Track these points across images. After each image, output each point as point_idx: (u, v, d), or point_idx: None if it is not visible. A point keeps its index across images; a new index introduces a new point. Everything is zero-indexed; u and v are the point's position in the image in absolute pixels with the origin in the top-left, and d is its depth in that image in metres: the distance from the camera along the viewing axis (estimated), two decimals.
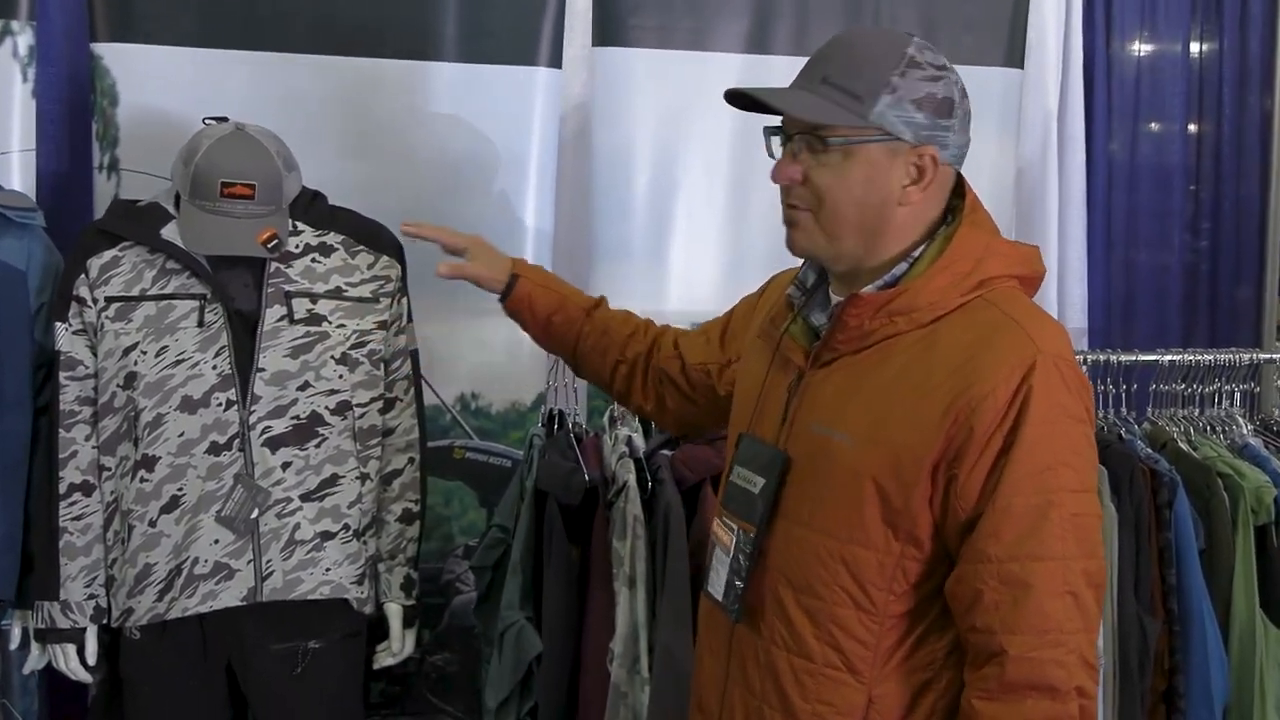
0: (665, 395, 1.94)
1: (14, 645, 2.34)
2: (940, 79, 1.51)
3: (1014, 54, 3.08)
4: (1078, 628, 1.41)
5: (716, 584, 1.64)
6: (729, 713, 1.64)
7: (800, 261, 1.67)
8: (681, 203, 2.96)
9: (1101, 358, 2.61)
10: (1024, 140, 3.22)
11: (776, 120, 1.56)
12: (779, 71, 2.83)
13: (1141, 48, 3.42)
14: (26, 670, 2.33)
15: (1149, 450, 2.49)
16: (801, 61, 1.58)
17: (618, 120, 2.91)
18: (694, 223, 2.97)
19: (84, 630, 2.24)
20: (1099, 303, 3.39)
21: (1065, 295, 3.32)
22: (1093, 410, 1.48)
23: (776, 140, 1.57)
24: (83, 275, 2.21)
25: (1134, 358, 2.61)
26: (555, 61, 2.87)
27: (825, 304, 1.62)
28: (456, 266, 2.03)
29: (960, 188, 1.58)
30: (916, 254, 1.53)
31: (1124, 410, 2.62)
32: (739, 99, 1.55)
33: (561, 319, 1.98)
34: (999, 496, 1.41)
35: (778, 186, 1.57)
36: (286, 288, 2.22)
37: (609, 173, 2.94)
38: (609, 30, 2.88)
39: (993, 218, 1.58)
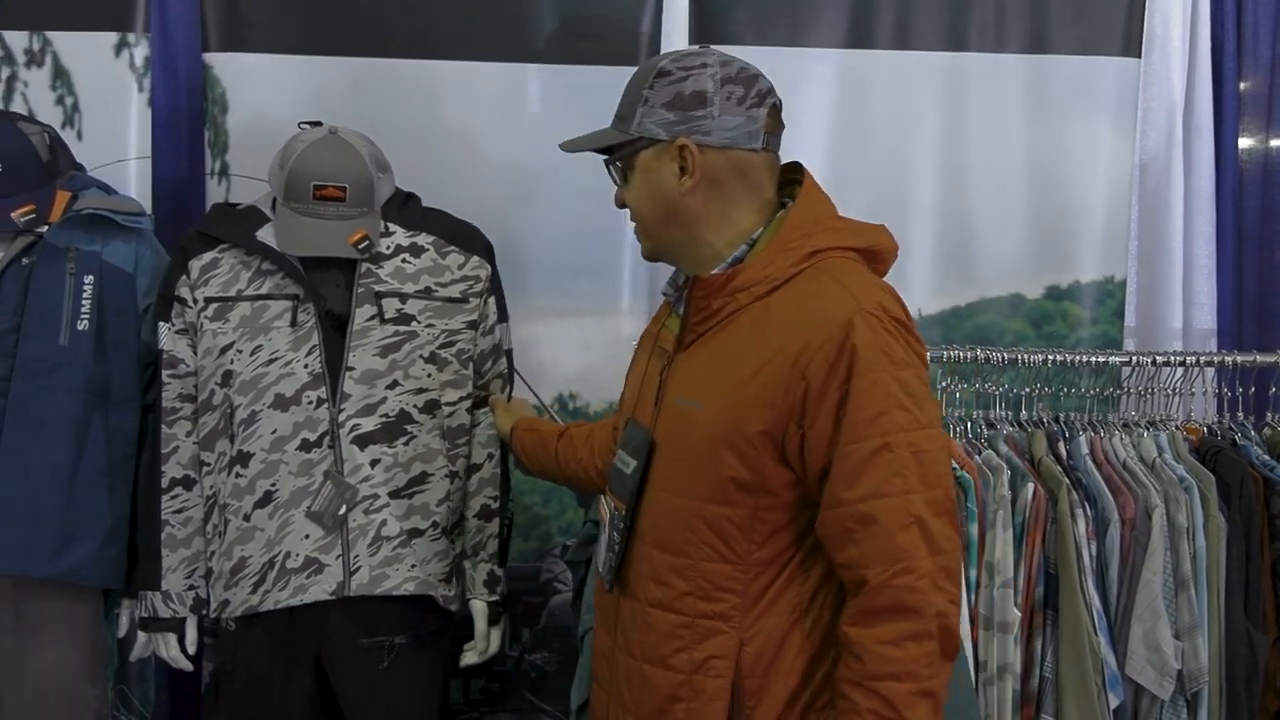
0: None
1: (121, 633, 2.43)
2: (688, 77, 1.67)
3: (1131, 43, 2.95)
4: (926, 553, 1.53)
5: (598, 558, 1.83)
6: (617, 680, 1.78)
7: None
8: None
9: (1217, 359, 2.48)
10: (1146, 133, 3.10)
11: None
12: (880, 65, 2.78)
13: (1277, 34, 3.23)
14: (133, 658, 2.42)
15: (1265, 457, 2.36)
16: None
17: None
18: None
19: (184, 620, 2.32)
20: (1229, 302, 3.21)
21: (1191, 293, 3.17)
22: (923, 352, 1.61)
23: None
24: (184, 276, 2.28)
25: (1252, 358, 2.48)
26: None
27: None
28: None
29: (799, 173, 1.75)
30: (756, 236, 1.70)
31: (1240, 414, 2.49)
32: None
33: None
34: (842, 444, 1.55)
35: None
36: (377, 288, 2.26)
37: None
38: (707, 28, 2.85)
39: (833, 205, 1.72)
